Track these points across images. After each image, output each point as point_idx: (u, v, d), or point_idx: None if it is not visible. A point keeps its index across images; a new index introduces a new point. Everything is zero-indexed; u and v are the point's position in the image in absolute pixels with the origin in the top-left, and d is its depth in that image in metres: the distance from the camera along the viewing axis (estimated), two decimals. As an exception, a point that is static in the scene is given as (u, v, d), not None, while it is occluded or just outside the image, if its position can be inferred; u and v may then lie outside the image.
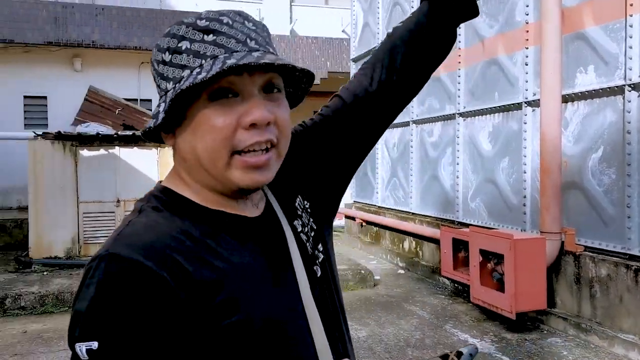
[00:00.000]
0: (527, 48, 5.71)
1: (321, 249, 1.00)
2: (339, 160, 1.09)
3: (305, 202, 1.03)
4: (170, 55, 0.83)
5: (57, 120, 10.56)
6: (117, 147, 7.82)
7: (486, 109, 6.40)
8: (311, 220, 1.02)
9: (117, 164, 7.81)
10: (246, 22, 0.85)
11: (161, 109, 0.83)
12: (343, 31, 14.36)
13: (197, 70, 0.80)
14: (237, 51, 0.81)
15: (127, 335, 0.72)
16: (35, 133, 7.76)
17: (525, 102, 5.73)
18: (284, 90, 0.90)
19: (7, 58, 10.75)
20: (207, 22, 0.82)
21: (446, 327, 5.30)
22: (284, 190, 1.01)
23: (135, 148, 7.92)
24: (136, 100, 11.23)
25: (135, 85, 11.53)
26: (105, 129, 8.35)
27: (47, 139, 7.57)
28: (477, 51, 6.58)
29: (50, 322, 5.58)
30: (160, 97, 0.86)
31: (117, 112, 9.55)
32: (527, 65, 5.70)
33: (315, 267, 0.96)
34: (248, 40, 0.83)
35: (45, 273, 7.08)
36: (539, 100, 5.37)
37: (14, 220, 9.23)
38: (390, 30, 1.15)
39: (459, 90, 6.94)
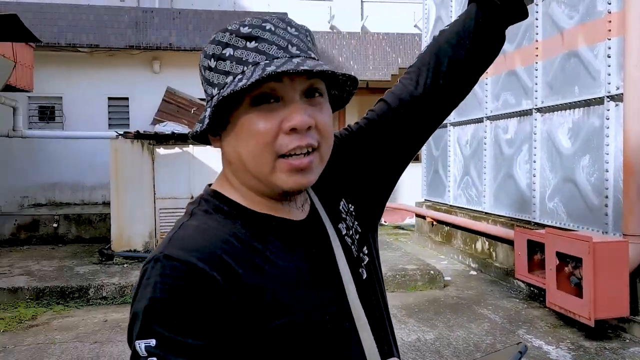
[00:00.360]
0: (609, 39, 5.36)
1: (366, 251, 1.01)
2: (384, 165, 1.08)
3: (350, 206, 1.04)
4: (215, 62, 0.85)
5: (138, 121, 11.08)
6: (190, 146, 8.10)
7: (565, 103, 6.08)
8: (356, 223, 1.02)
9: (191, 161, 8.09)
10: (289, 28, 0.86)
11: (207, 114, 0.85)
12: (415, 26, 14.12)
13: (239, 77, 0.82)
14: (277, 57, 0.82)
15: (182, 332, 0.76)
16: (117, 132, 8.18)
17: (608, 97, 5.39)
18: (326, 94, 0.90)
19: (92, 62, 11.40)
20: (250, 29, 0.84)
21: (519, 333, 5.09)
22: (328, 193, 1.01)
23: (207, 146, 8.14)
24: (211, 99, 11.58)
25: (210, 85, 11.88)
26: (181, 128, 8.68)
27: (127, 138, 7.96)
28: (556, 43, 6.26)
29: (129, 312, 5.86)
30: (207, 102, 0.89)
31: (192, 111, 9.89)
32: (609, 57, 5.36)
33: (360, 270, 0.97)
34: (289, 46, 0.84)
35: (125, 265, 7.46)
36: (622, 94, 5.04)
37: (99, 214, 9.79)
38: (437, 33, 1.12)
39: (536, 84, 6.64)
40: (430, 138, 9.35)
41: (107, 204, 9.47)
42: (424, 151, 10.66)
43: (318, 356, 0.85)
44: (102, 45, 11.04)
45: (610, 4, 5.37)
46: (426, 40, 10.43)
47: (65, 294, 6.30)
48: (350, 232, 1.00)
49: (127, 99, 11.65)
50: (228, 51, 0.84)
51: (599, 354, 4.51)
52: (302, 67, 0.79)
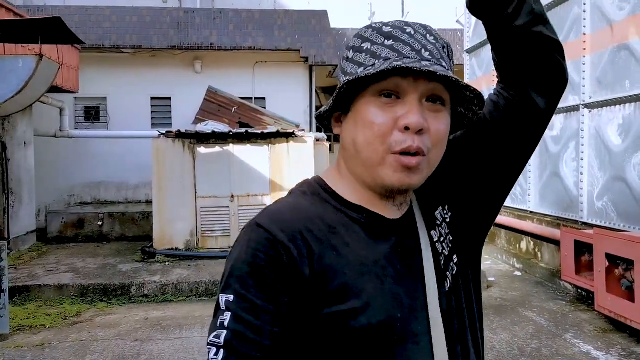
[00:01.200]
0: (664, 30, 5.08)
1: (456, 260, 1.00)
2: (486, 178, 1.04)
3: (447, 213, 1.03)
4: (353, 53, 0.92)
5: (180, 120, 11.25)
6: (230, 145, 8.15)
7: (615, 99, 5.81)
8: (449, 231, 1.02)
9: (231, 160, 8.14)
10: (428, 36, 0.90)
11: (333, 97, 0.92)
12: (457, 21, 13.86)
13: (370, 68, 0.87)
14: (408, 57, 0.87)
15: (255, 294, 0.84)
16: (159, 132, 8.31)
17: (662, 91, 5.12)
18: (449, 105, 0.93)
19: (136, 62, 11.63)
20: (391, 29, 0.90)
21: (566, 337, 4.90)
22: (428, 197, 1.02)
23: (248, 145, 8.21)
24: (250, 98, 11.65)
25: (250, 84, 11.96)
26: (222, 127, 8.75)
27: (169, 137, 8.07)
28: (605, 36, 5.99)
29: (170, 311, 5.94)
30: (338, 88, 0.93)
31: (233, 110, 9.97)
32: (664, 49, 5.08)
33: (445, 280, 0.97)
34: (423, 51, 0.88)
35: (167, 263, 7.58)
36: (678, 88, 4.76)
37: (142, 213, 9.98)
38: None
39: (583, 79, 6.37)
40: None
41: (150, 202, 9.65)
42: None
43: (379, 352, 0.86)
44: (144, 46, 11.25)
45: (664, -8, 5.09)
46: (468, 36, 10.19)
47: (108, 291, 6.44)
48: (442, 239, 0.99)
49: (169, 98, 11.84)
50: (366, 45, 0.90)
51: (653, 362, 4.29)
52: (426, 68, 0.83)
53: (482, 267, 6.63)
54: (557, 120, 7.07)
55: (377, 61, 0.88)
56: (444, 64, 0.89)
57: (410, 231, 0.96)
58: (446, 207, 1.03)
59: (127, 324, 5.50)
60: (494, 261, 8.31)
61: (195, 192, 8.06)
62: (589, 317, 5.43)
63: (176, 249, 7.97)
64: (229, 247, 8.03)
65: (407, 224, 0.96)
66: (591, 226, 5.96)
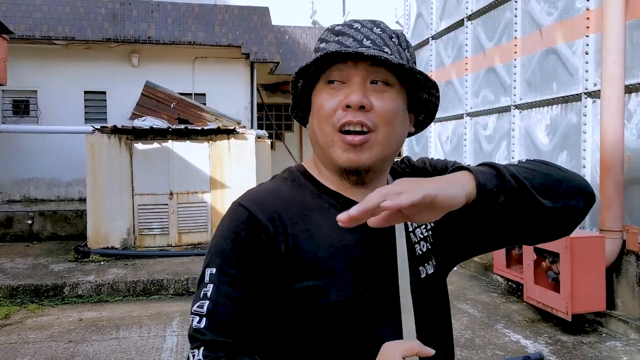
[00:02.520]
0: (587, 36, 5.40)
1: (435, 263, 1.05)
2: (473, 240, 1.08)
3: (430, 223, 1.06)
4: (314, 54, 0.99)
5: (116, 115, 10.92)
6: (170, 141, 7.99)
7: (543, 100, 6.12)
8: (431, 234, 1.06)
9: (170, 157, 7.98)
10: (374, 29, 0.97)
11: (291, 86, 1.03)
12: (397, 22, 14.14)
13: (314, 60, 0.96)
14: (348, 47, 0.93)
15: (236, 267, 0.91)
16: (93, 127, 8.03)
17: (585, 93, 5.43)
18: (398, 86, 0.97)
19: (68, 55, 11.18)
20: (341, 27, 0.98)
21: (497, 327, 5.12)
22: None
23: (187, 142, 8.07)
24: (190, 94, 11.45)
25: (190, 79, 11.75)
26: (160, 123, 8.55)
27: (104, 133, 7.82)
28: (535, 40, 6.30)
29: (105, 311, 5.77)
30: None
31: (172, 106, 9.77)
32: (587, 54, 5.40)
33: (420, 268, 1.01)
34: (364, 40, 0.95)
35: (102, 263, 7.34)
36: (599, 91, 5.08)
37: (75, 211, 9.62)
38: None
39: (514, 81, 6.67)
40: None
41: (83, 200, 9.31)
42: (405, 147, 10.68)
43: (346, 329, 0.92)
44: (78, 37, 10.83)
45: (588, 0, 5.41)
46: (408, 37, 10.41)
47: (40, 292, 6.17)
48: (418, 232, 1.04)
49: (104, 93, 11.46)
50: (322, 44, 0.99)
51: (577, 348, 4.56)
52: (352, 50, 0.90)
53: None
54: (490, 120, 7.37)
55: (320, 54, 0.94)
56: (386, 49, 0.94)
57: None
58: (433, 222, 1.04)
59: (60, 326, 5.30)
60: (430, 256, 8.56)
61: (133, 190, 7.85)
62: (519, 307, 5.70)
63: (112, 247, 7.74)
64: (168, 246, 7.93)
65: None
66: (521, 221, 6.24)
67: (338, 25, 0.99)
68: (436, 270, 1.05)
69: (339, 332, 0.92)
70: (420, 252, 1.02)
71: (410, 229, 1.03)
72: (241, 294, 0.90)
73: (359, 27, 0.96)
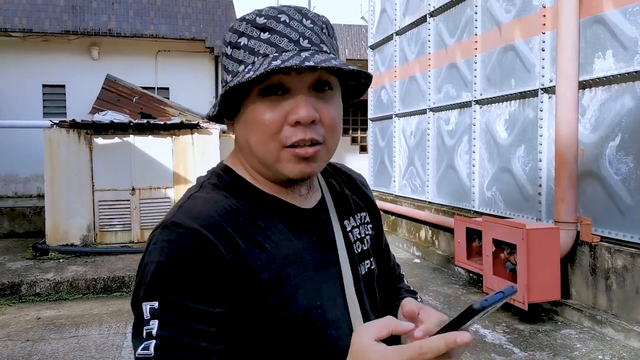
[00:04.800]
0: (543, 33, 5.54)
1: (372, 259, 1.06)
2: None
3: (367, 218, 1.09)
4: (231, 50, 0.89)
5: (76, 109, 10.66)
6: (131, 136, 7.86)
7: (502, 96, 6.25)
8: (369, 228, 1.08)
9: (132, 152, 7.85)
10: (304, 20, 0.88)
11: (217, 100, 0.90)
12: (362, 18, 14.20)
13: (250, 67, 0.85)
14: (287, 50, 0.85)
15: (185, 295, 0.79)
16: (51, 122, 7.83)
17: (542, 89, 5.58)
18: (338, 87, 0.92)
19: (25, 47, 10.86)
20: (265, 20, 0.87)
21: (458, 318, 5.23)
22: (348, 198, 1.06)
23: (150, 137, 7.95)
24: (153, 88, 11.27)
25: (152, 73, 11.56)
26: (122, 117, 8.40)
27: (62, 128, 7.64)
28: (494, 37, 6.42)
29: (64, 309, 5.66)
30: (222, 87, 0.92)
31: (134, 100, 9.61)
32: (543, 50, 5.54)
33: (360, 266, 1.01)
34: (301, 40, 0.86)
35: (61, 260, 7.18)
36: (555, 87, 5.22)
37: (34, 207, 9.38)
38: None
39: (475, 77, 6.80)
40: (377, 129, 9.45)
41: (42, 196, 9.07)
42: (370, 142, 10.76)
43: (307, 339, 0.88)
44: (35, 29, 10.53)
45: (544, -2, 5.54)
46: (372, 32, 10.49)
47: (-4, 290, 6.01)
48: (356, 231, 1.03)
49: (63, 86, 11.18)
50: (243, 40, 0.87)
51: (533, 337, 4.69)
52: (306, 63, 0.81)
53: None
54: (452, 115, 7.49)
55: (256, 58, 0.85)
56: (325, 48, 0.88)
57: (324, 220, 0.98)
58: (366, 215, 1.09)
59: (18, 324, 5.17)
60: (395, 250, 8.65)
61: (93, 185, 7.70)
62: (479, 298, 5.82)
63: (72, 244, 7.57)
64: (130, 242, 7.81)
65: (320, 214, 0.98)
66: (481, 214, 6.38)
67: (259, 16, 0.88)
68: (373, 266, 1.06)
69: (301, 341, 0.88)
70: (358, 251, 1.02)
71: (349, 229, 1.02)
72: (195, 324, 0.79)
73: (287, 21, 0.86)
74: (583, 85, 5.04)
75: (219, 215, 0.86)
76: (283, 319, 0.86)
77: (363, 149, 14.04)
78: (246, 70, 0.85)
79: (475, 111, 6.82)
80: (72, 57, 11.13)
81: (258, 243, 0.87)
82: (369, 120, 10.72)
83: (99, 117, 8.39)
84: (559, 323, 5.01)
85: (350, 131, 14.51)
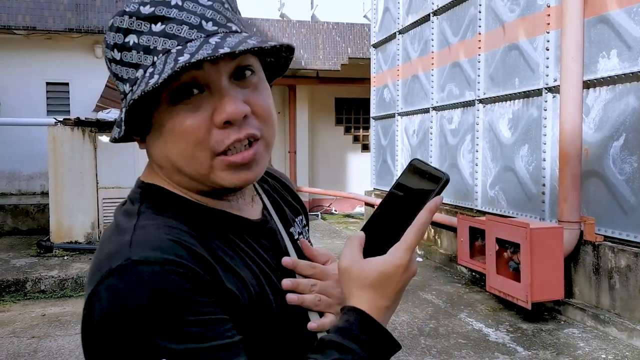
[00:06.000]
0: (548, 32, 5.55)
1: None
2: None
3: (304, 221, 1.02)
4: (120, 53, 0.72)
5: (79, 107, 10.68)
6: (135, 134, 7.88)
7: (506, 95, 6.26)
8: (306, 230, 1.02)
9: (136, 149, 7.81)
10: None
11: (122, 116, 0.72)
12: (364, 16, 14.19)
13: (150, 70, 0.69)
14: (191, 40, 0.69)
15: (187, 338, 0.65)
16: (55, 119, 7.86)
17: (546, 88, 5.59)
18: (260, 69, 0.78)
19: (29, 45, 10.88)
20: (152, 8, 0.70)
21: (461, 316, 5.25)
22: (285, 203, 0.99)
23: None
24: (156, 86, 11.29)
25: (156, 71, 11.58)
26: (125, 116, 8.41)
27: (67, 125, 7.66)
28: (498, 36, 6.43)
29: (69, 306, 5.68)
30: (122, 100, 0.76)
31: (137, 98, 9.62)
32: (548, 50, 5.55)
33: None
34: (204, 23, 0.71)
35: (65, 257, 7.21)
36: (559, 86, 5.23)
37: (37, 205, 9.41)
38: None
39: (478, 76, 6.81)
40: (379, 127, 9.43)
41: (46, 194, 9.10)
42: (372, 140, 10.77)
43: (277, 353, 0.80)
44: (39, 27, 10.54)
45: (548, -2, 5.55)
46: (375, 31, 10.50)
47: (1, 287, 6.03)
48: (294, 230, 0.97)
49: (67, 84, 11.19)
50: (131, 39, 0.70)
51: (536, 336, 4.71)
52: (221, 51, 0.66)
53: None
54: (455, 114, 7.50)
55: (155, 57, 0.70)
56: (234, 27, 0.74)
57: (273, 230, 0.89)
58: (301, 217, 1.02)
59: (23, 321, 5.20)
60: (397, 248, 8.67)
61: (97, 183, 7.73)
62: (481, 297, 5.84)
63: (76, 242, 7.60)
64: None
65: (267, 224, 0.88)
66: (484, 213, 6.40)
67: (143, 4, 0.71)
68: None
69: (277, 337, 0.81)
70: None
71: (296, 237, 0.95)
72: (220, 332, 0.68)
73: (179, 3, 0.70)
74: (587, 84, 5.05)
75: (183, 239, 0.71)
76: (260, 342, 0.78)
77: (365, 148, 14.05)
78: (147, 74, 0.69)
79: (478, 110, 6.83)
80: (76, 55, 11.15)
81: (227, 265, 0.75)
82: (371, 119, 10.73)
83: (103, 115, 8.41)
84: (562, 322, 5.03)
85: (352, 130, 14.52)
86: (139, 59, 0.71)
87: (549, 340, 4.59)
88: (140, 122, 0.75)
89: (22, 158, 10.62)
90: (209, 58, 0.65)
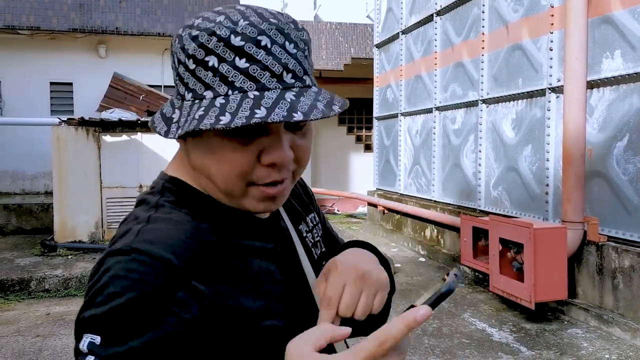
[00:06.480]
0: (551, 32, 5.55)
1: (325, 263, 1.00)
2: None
3: (316, 218, 1.04)
4: (195, 65, 0.73)
5: (83, 107, 10.71)
6: (139, 133, 7.90)
7: (509, 95, 6.27)
8: (319, 228, 1.03)
9: (140, 149, 7.89)
10: (287, 44, 0.74)
11: (175, 122, 0.76)
12: (367, 16, 14.20)
13: (221, 101, 0.71)
14: (269, 89, 0.72)
15: (129, 335, 0.67)
16: (59, 119, 7.88)
17: (549, 89, 5.59)
18: None
19: (33, 45, 10.91)
20: (243, 43, 0.71)
21: (464, 316, 5.25)
22: (296, 201, 1.01)
23: (157, 134, 7.98)
24: (160, 86, 11.31)
25: (159, 71, 11.60)
26: (129, 115, 8.45)
27: (71, 125, 7.68)
28: (501, 36, 6.43)
29: (73, 305, 5.70)
30: (177, 98, 0.78)
31: (140, 98, 9.65)
32: (551, 50, 5.55)
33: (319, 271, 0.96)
34: (284, 74, 0.73)
35: (69, 257, 7.23)
36: (562, 86, 5.23)
37: (41, 204, 9.44)
38: None
39: (482, 76, 6.81)
40: (382, 127, 9.45)
41: (49, 193, 9.13)
42: (375, 141, 10.78)
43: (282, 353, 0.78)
44: (43, 27, 10.57)
45: (552, -2, 5.55)
46: (378, 31, 10.50)
47: (5, 286, 6.06)
48: (311, 236, 0.99)
49: (70, 84, 11.23)
50: (212, 60, 0.72)
51: (539, 336, 4.71)
52: (295, 118, 0.68)
53: (390, 254, 6.92)
54: (458, 114, 7.50)
55: (230, 91, 0.71)
56: (307, 80, 0.77)
57: (283, 228, 0.92)
58: (315, 215, 1.04)
59: (27, 320, 5.23)
60: (400, 248, 8.68)
61: (101, 183, 7.75)
62: (485, 297, 5.85)
63: (80, 241, 7.63)
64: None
65: (277, 222, 0.91)
66: (487, 213, 6.40)
67: (235, 33, 0.72)
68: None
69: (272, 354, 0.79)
70: (316, 257, 0.97)
71: (304, 235, 0.97)
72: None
73: (268, 46, 0.72)
74: (591, 85, 5.05)
75: (192, 239, 0.75)
76: (264, 340, 0.79)
77: (368, 148, 14.05)
78: (217, 105, 0.71)
79: (481, 110, 6.83)
80: (80, 55, 11.18)
81: (234, 267, 0.78)
82: (374, 119, 10.73)
83: (107, 115, 8.44)
84: (566, 322, 5.03)
85: (355, 130, 14.52)
86: (213, 82, 0.72)
87: (553, 340, 4.59)
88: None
89: (25, 158, 10.66)
90: (282, 121, 0.68)
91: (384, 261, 0.94)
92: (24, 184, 10.95)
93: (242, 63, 0.71)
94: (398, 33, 9.36)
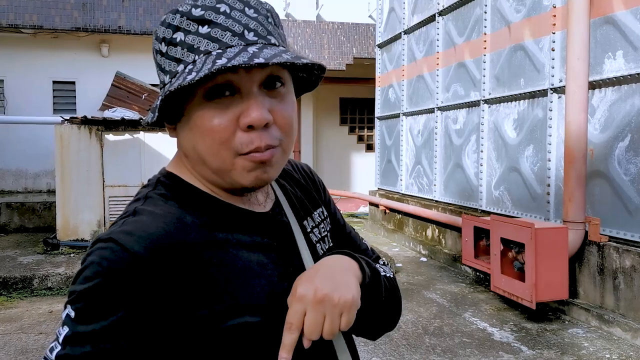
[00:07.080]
0: (553, 33, 5.56)
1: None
2: None
3: (325, 213, 1.03)
4: (166, 47, 0.79)
5: (85, 106, 10.75)
6: (141, 132, 7.92)
7: (511, 95, 6.27)
8: (328, 223, 1.02)
9: (142, 148, 7.92)
10: (247, 9, 0.78)
11: (157, 103, 0.78)
12: (369, 16, 14.20)
13: (190, 66, 0.76)
14: (232, 46, 0.76)
15: (95, 317, 0.72)
16: (62, 118, 7.91)
17: (551, 89, 5.60)
18: (290, 81, 0.84)
19: (36, 44, 10.95)
20: (203, 12, 0.76)
21: (465, 316, 5.26)
22: (302, 197, 1.00)
23: (159, 133, 8.01)
24: (162, 85, 11.34)
25: (161, 70, 11.63)
26: (131, 114, 8.47)
27: (73, 124, 7.71)
28: (503, 36, 6.44)
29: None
30: (160, 89, 0.83)
31: (143, 97, 9.68)
32: (553, 50, 5.56)
33: None
34: (245, 32, 0.77)
35: (72, 255, 7.26)
36: (564, 86, 5.24)
37: (44, 203, 9.46)
38: None
39: (484, 76, 6.82)
40: (384, 127, 9.45)
41: (52, 192, 9.17)
42: (377, 140, 10.79)
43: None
44: (46, 26, 10.61)
45: (554, -1, 5.56)
46: (380, 31, 10.51)
47: (8, 284, 6.08)
48: (317, 231, 0.98)
49: (73, 83, 11.27)
50: (179, 36, 0.77)
51: (540, 335, 4.72)
52: (256, 60, 0.72)
53: (391, 254, 6.93)
54: (460, 115, 7.51)
55: (196, 56, 0.76)
56: (272, 39, 0.80)
57: (283, 223, 0.91)
58: (323, 210, 1.03)
59: (30, 318, 5.25)
60: (401, 248, 8.69)
61: (103, 181, 7.77)
62: (486, 297, 5.86)
63: (82, 240, 7.65)
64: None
65: (277, 216, 0.91)
66: (489, 213, 6.41)
67: (195, 6, 0.77)
68: None
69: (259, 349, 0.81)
70: (321, 253, 0.96)
71: (309, 230, 0.96)
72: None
73: (227, 11, 0.77)
74: (593, 85, 5.06)
75: (169, 232, 0.77)
76: (251, 338, 0.79)
77: (369, 148, 14.07)
78: (187, 70, 0.76)
79: (483, 110, 6.84)
80: (82, 54, 11.22)
81: (217, 258, 0.79)
82: (375, 119, 10.75)
83: (109, 114, 8.47)
84: (567, 322, 5.04)
85: (357, 129, 14.53)
86: (182, 55, 0.77)
87: (553, 340, 4.60)
88: (173, 111, 0.82)
89: (28, 156, 10.70)
90: (243, 65, 0.71)
91: (372, 268, 0.95)
92: (26, 182, 10.99)
93: (204, 30, 0.76)
94: (400, 33, 9.37)
